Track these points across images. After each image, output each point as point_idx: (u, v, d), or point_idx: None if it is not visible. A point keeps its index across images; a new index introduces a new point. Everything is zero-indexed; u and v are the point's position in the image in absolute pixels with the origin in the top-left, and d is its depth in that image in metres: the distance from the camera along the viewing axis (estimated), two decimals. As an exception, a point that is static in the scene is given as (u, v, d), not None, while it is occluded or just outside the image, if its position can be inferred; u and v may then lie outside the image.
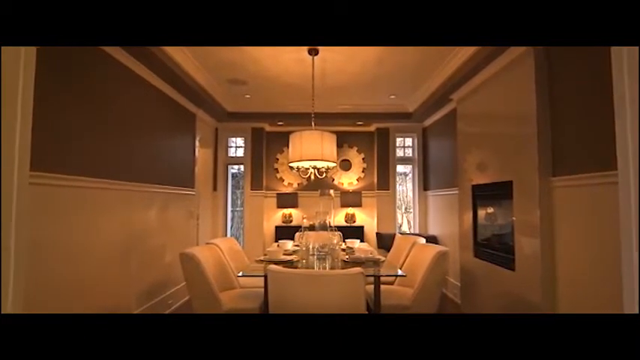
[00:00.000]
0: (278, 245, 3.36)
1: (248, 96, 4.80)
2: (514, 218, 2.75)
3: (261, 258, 2.86)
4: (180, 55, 3.37)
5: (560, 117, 2.40)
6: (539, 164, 2.47)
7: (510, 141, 2.84)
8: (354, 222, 5.86)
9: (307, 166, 3.43)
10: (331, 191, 3.24)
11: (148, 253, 3.40)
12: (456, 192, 3.94)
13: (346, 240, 3.55)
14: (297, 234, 3.80)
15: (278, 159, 6.02)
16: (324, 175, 3.61)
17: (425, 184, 5.65)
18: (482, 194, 3.34)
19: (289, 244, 3.39)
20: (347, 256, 2.81)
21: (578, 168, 2.20)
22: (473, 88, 3.47)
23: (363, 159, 6.02)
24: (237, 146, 6.01)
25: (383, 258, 2.92)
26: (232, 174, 6.27)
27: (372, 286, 2.50)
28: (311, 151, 3.14)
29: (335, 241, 2.72)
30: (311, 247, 2.70)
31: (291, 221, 5.84)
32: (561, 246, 2.35)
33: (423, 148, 5.72)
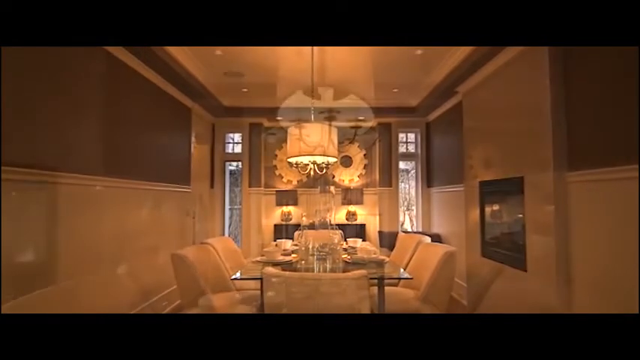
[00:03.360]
0: (276, 245, 3.21)
1: (245, 90, 4.63)
2: (525, 216, 2.60)
3: (258, 259, 2.72)
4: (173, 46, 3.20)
5: (577, 109, 2.24)
6: (554, 159, 2.32)
7: (521, 135, 2.68)
8: (356, 220, 5.71)
9: (306, 162, 3.27)
10: (332, 188, 3.08)
11: (142, 253, 3.24)
12: (462, 189, 3.79)
13: (347, 239, 3.41)
14: (296, 233, 3.65)
15: (277, 155, 5.87)
16: (324, 171, 3.45)
17: (428, 180, 5.49)
18: (491, 191, 3.18)
19: (288, 244, 3.24)
20: (348, 257, 2.66)
21: (597, 162, 2.04)
22: (480, 80, 3.31)
23: (364, 155, 5.86)
24: (234, 142, 5.85)
25: (387, 259, 2.77)
26: (230, 171, 6.11)
27: (375, 288, 2.35)
28: (310, 145, 2.97)
29: (336, 241, 2.57)
30: (311, 246, 2.55)
31: (290, 219, 5.69)
32: (577, 245, 2.20)
33: (427, 144, 5.57)
